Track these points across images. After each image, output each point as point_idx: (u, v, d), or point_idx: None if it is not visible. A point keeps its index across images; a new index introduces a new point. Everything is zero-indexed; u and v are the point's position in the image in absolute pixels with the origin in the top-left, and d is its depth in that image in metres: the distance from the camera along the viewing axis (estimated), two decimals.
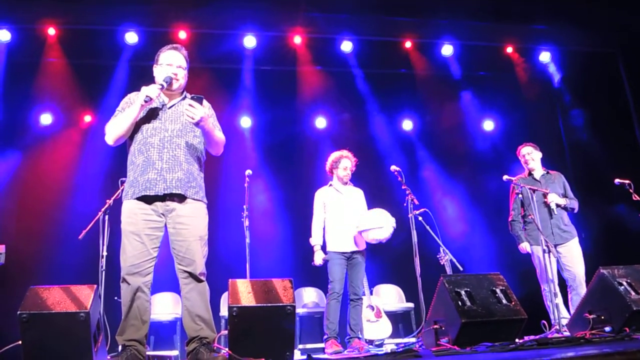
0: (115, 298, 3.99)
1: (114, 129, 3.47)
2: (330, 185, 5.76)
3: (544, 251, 5.23)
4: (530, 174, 5.89)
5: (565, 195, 5.74)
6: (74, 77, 7.33)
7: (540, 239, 5.25)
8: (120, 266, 3.40)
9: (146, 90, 3.39)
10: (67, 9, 6.97)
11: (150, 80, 3.63)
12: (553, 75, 8.53)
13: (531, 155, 5.88)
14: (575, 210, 5.72)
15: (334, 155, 5.80)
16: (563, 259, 5.54)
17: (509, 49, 8.30)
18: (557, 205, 5.58)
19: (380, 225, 5.28)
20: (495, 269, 6.17)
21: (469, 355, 3.15)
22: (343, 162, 5.72)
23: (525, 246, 5.66)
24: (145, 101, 3.37)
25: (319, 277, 6.44)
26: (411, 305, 6.89)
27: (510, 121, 8.50)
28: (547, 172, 5.88)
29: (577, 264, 5.48)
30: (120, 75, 7.38)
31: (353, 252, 5.47)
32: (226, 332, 3.69)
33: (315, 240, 5.55)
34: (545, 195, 5.60)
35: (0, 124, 7.12)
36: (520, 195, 5.70)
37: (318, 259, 5.49)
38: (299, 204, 7.31)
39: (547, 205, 5.59)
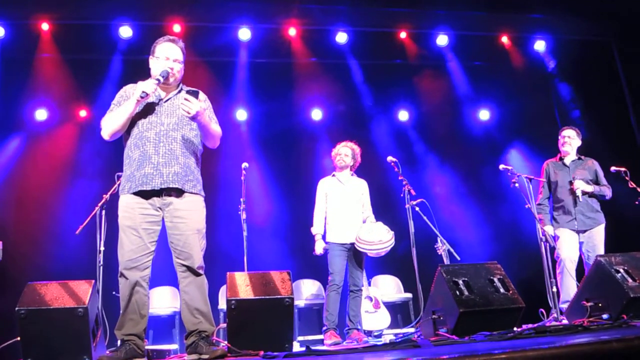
0: (114, 293, 4.00)
1: (110, 124, 3.45)
2: (333, 175, 5.75)
3: (540, 240, 5.25)
4: (561, 158, 5.85)
5: (596, 182, 5.69)
6: (68, 72, 7.28)
7: (538, 227, 5.26)
8: (118, 261, 3.40)
9: (142, 86, 3.36)
10: (60, 3, 6.92)
11: (145, 73, 3.60)
12: (547, 62, 8.52)
13: (571, 139, 5.82)
14: (607, 197, 5.64)
15: None
16: (585, 247, 5.52)
17: (504, 39, 8.29)
18: (584, 193, 5.56)
19: (380, 247, 5.21)
20: (493, 258, 6.18)
21: (467, 344, 3.16)
22: (336, 148, 5.73)
23: (549, 229, 5.61)
24: (142, 97, 3.33)
25: (317, 269, 6.45)
26: (409, 295, 6.91)
27: (506, 110, 8.49)
28: (579, 158, 5.82)
29: (598, 252, 5.40)
30: (115, 70, 7.35)
31: (353, 244, 5.41)
32: (225, 325, 3.71)
33: (316, 229, 5.55)
34: (571, 182, 5.60)
35: None
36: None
37: (319, 248, 5.49)
38: (296, 196, 7.32)
39: (573, 191, 5.58)
